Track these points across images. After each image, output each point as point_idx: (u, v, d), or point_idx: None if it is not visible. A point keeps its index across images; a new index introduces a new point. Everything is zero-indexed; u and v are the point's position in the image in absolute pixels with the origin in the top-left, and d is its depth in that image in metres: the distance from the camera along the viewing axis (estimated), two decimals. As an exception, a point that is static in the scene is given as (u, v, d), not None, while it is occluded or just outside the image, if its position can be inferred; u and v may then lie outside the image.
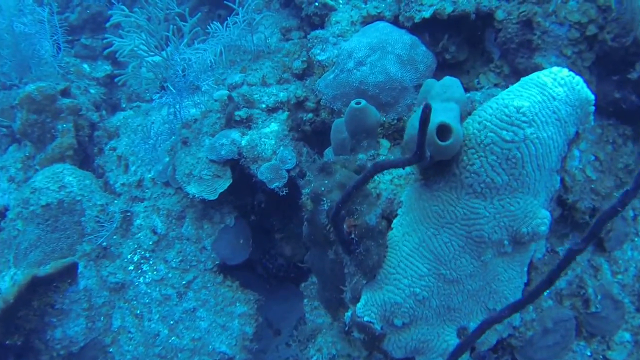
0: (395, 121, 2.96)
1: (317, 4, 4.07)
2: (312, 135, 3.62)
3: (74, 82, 6.04)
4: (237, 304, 4.01)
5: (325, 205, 2.33)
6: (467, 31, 3.10)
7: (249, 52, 4.81)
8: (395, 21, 3.33)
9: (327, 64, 3.38)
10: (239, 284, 4.09)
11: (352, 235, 2.31)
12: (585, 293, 2.78)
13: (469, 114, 2.33)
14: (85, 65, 6.37)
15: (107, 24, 4.57)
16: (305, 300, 4.27)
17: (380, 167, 1.91)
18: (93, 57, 6.42)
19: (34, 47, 5.96)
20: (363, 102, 2.60)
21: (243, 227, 4.07)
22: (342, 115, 3.07)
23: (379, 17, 3.38)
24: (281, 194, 3.56)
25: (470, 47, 3.18)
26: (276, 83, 4.26)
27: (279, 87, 4.20)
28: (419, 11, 3.02)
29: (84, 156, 5.35)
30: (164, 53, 4.57)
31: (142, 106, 5.65)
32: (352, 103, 2.60)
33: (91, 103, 5.81)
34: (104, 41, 4.45)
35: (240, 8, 5.09)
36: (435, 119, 2.06)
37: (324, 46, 3.45)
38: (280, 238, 4.51)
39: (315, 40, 3.51)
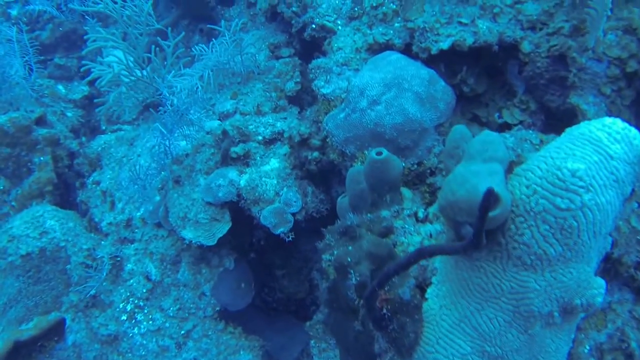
0: (416, 166, 2.71)
1: (313, 26, 3.78)
2: (318, 173, 3.35)
3: (49, 106, 5.65)
4: (242, 352, 3.73)
5: (354, 279, 2.07)
6: (486, 61, 2.85)
7: (238, 73, 4.50)
8: (407, 50, 3.06)
9: (332, 98, 3.10)
10: (241, 330, 3.81)
11: (384, 311, 2.06)
12: (628, 347, 2.57)
13: (510, 169, 2.08)
14: (61, 87, 5.97)
15: (84, 52, 4.21)
16: (313, 342, 4.02)
17: (428, 254, 1.66)
18: (68, 77, 6.03)
19: (3, 70, 5.54)
20: (385, 152, 2.34)
21: (244, 269, 3.78)
22: (355, 161, 2.80)
23: (388, 46, 3.11)
24: (287, 239, 3.29)
25: (489, 78, 2.93)
26: (271, 111, 3.96)
27: (275, 115, 3.91)
28: (436, 42, 2.76)
29: (64, 188, 4.99)
30: (144, 73, 4.25)
31: (124, 129, 5.30)
32: (372, 153, 2.34)
33: (69, 128, 5.43)
34: (82, 68, 4.10)
35: (226, 28, 4.80)
36: (481, 186, 1.81)
37: (328, 77, 3.17)
38: (281, 275, 4.24)
39: (318, 71, 3.23)
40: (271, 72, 4.62)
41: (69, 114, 5.76)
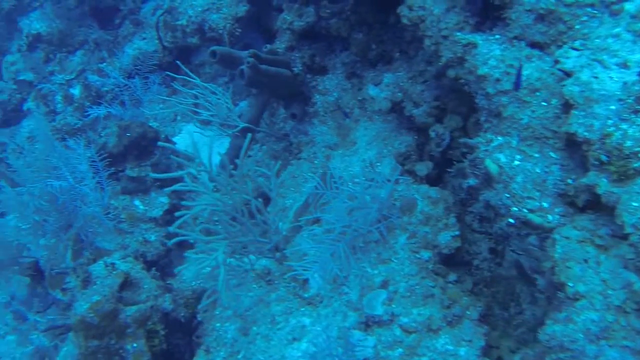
0: None
1: (511, 220, 2.49)
2: None
3: (128, 233, 4.72)
4: None
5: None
6: None
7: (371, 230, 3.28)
8: None
9: None
10: None
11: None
12: None
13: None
14: (138, 202, 4.99)
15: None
16: None
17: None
18: (144, 190, 5.01)
19: (74, 202, 4.56)
20: None
21: None
22: None
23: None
24: None
25: None
26: (445, 323, 2.75)
27: (451, 333, 2.70)
28: None
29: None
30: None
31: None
32: None
33: (155, 263, 4.48)
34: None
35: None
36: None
37: None
38: None
39: None
40: (413, 213, 3.39)
41: (152, 238, 4.81)
